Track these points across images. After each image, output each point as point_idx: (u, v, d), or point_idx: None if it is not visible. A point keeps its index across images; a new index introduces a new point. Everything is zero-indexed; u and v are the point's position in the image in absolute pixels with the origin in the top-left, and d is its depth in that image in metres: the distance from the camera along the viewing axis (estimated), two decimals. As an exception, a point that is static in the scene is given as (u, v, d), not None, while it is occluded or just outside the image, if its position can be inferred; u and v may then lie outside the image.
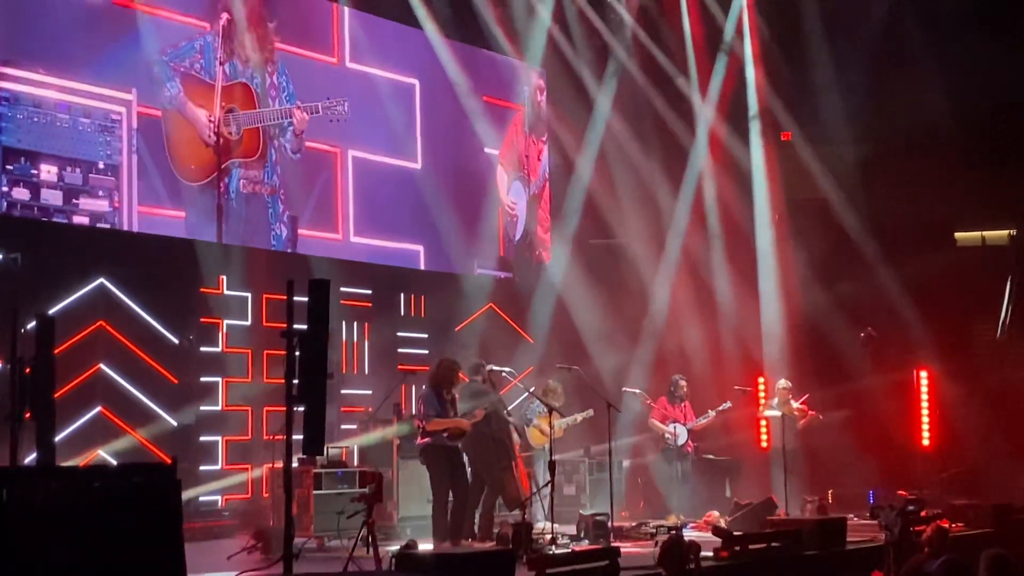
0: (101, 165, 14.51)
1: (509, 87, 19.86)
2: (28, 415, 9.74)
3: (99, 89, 14.43)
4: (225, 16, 15.83)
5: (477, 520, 12.60)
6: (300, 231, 16.47)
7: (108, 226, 14.30)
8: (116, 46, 14.64)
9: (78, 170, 14.25)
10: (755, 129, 19.55)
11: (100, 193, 14.45)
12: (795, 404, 16.43)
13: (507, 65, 19.64)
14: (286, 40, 16.52)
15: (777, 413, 16.11)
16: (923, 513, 13.27)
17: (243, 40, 15.98)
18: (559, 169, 20.24)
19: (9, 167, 13.57)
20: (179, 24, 15.35)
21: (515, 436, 13.33)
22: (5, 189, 13.48)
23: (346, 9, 17.26)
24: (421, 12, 17.85)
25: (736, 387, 16.91)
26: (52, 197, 13.96)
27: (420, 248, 18.09)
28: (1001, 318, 18.50)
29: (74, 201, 14.16)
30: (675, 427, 15.49)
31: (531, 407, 15.27)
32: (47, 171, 13.95)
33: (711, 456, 16.77)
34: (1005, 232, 20.19)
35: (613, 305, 18.98)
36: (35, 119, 13.91)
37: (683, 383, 15.95)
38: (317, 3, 17.28)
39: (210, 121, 15.57)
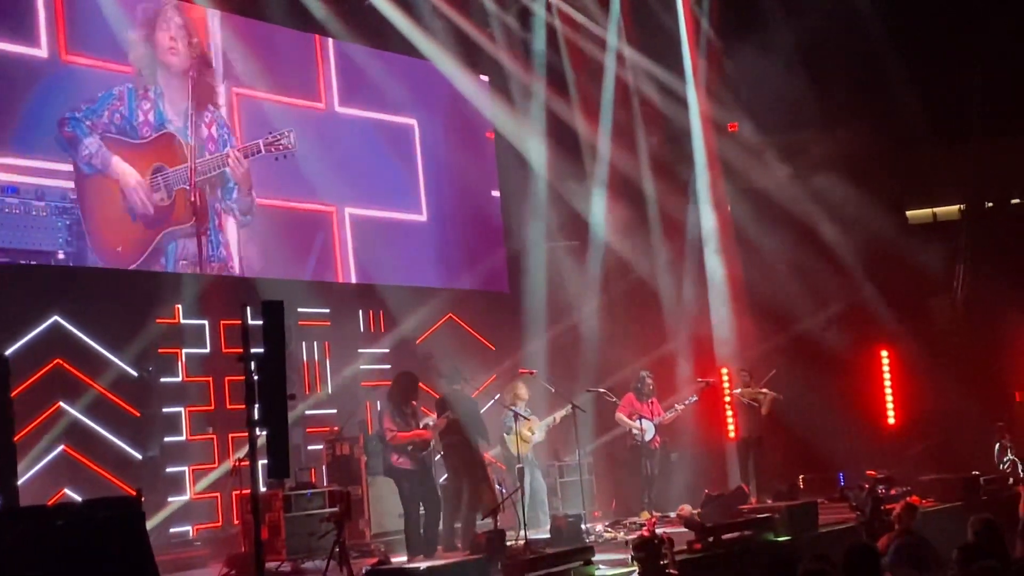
0: (61, 255, 12.70)
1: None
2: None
3: (52, 164, 12.99)
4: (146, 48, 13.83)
5: (460, 530, 12.58)
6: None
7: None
8: (67, 111, 13.37)
9: (34, 264, 12.74)
10: (696, 123, 19.34)
11: (62, 289, 12.88)
12: (755, 389, 16.55)
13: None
14: (269, 88, 15.40)
15: (746, 399, 16.21)
16: (892, 491, 13.42)
17: (172, 79, 14.24)
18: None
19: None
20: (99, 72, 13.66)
21: (483, 443, 13.35)
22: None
23: (330, 42, 16.17)
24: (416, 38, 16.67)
25: (698, 379, 16.94)
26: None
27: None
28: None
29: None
30: (642, 422, 15.50)
31: (507, 415, 15.25)
32: (-4, 269, 12.21)
33: (677, 451, 16.83)
34: (955, 207, 20.34)
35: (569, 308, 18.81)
36: (-22, 208, 11.90)
37: (649, 380, 15.94)
38: (300, 41, 15.93)
39: (138, 186, 13.48)
